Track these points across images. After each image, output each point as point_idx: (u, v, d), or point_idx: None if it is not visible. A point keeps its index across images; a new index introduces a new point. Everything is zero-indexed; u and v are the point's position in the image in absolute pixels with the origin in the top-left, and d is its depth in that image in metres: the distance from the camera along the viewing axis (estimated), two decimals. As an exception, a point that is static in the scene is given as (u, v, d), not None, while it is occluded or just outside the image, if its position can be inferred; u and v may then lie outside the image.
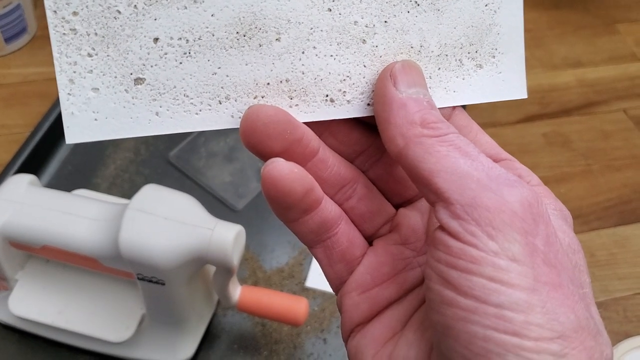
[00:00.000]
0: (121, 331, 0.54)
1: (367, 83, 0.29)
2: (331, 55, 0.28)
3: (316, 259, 0.30)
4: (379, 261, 0.30)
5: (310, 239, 0.29)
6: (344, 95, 0.29)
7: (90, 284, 0.56)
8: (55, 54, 0.26)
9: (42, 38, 0.86)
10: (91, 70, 0.26)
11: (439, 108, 0.28)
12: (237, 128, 0.27)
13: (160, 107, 0.27)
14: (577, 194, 0.75)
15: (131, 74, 0.27)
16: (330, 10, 0.28)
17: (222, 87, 0.27)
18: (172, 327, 0.55)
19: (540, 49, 0.92)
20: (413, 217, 0.30)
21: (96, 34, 0.26)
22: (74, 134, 0.27)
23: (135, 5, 0.26)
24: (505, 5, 0.31)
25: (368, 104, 0.29)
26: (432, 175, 0.25)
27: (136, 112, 0.27)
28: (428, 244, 0.26)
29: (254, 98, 0.28)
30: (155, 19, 0.26)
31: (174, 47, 0.27)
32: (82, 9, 0.26)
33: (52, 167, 0.72)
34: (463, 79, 0.31)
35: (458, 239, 0.24)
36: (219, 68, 0.27)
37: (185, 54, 0.27)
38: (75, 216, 0.51)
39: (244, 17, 0.27)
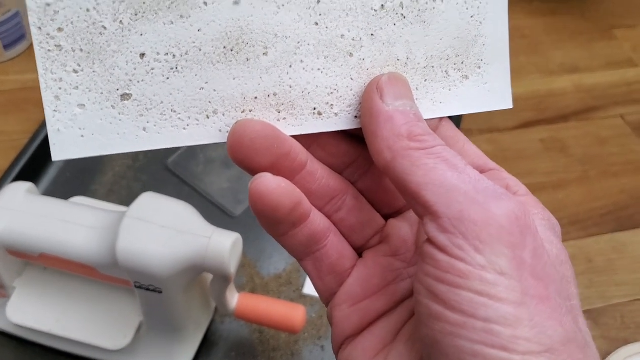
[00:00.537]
0: (119, 339, 0.54)
1: (354, 96, 0.29)
2: (318, 69, 0.28)
3: (306, 271, 0.30)
4: (369, 273, 0.30)
5: (300, 251, 0.29)
6: (332, 108, 0.29)
7: (88, 292, 0.56)
8: (40, 71, 0.26)
9: (41, 45, 0.86)
10: (77, 87, 0.26)
11: (426, 119, 0.28)
12: (225, 142, 0.27)
13: (148, 122, 0.27)
14: (575, 200, 0.75)
15: (118, 89, 0.27)
16: (317, 24, 0.28)
17: (209, 102, 0.27)
18: (170, 334, 0.55)
19: (537, 55, 0.92)
20: (402, 228, 0.30)
21: (82, 50, 0.26)
22: (60, 151, 0.27)
23: (121, 21, 0.26)
24: (491, 17, 0.31)
25: (356, 117, 0.29)
26: (420, 188, 0.25)
27: (123, 128, 0.27)
28: (417, 258, 0.26)
29: (242, 112, 0.28)
30: (142, 35, 0.26)
31: (160, 62, 0.27)
32: (67, 25, 0.26)
33: (51, 173, 0.72)
34: (449, 90, 0.31)
35: (446, 252, 0.24)
36: (207, 83, 0.27)
37: (172, 69, 0.27)
38: (73, 224, 0.51)
39: (231, 32, 0.27)
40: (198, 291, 0.55)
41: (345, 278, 0.30)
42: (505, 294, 0.22)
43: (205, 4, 0.26)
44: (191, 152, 0.75)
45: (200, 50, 0.27)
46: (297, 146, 0.28)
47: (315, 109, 0.29)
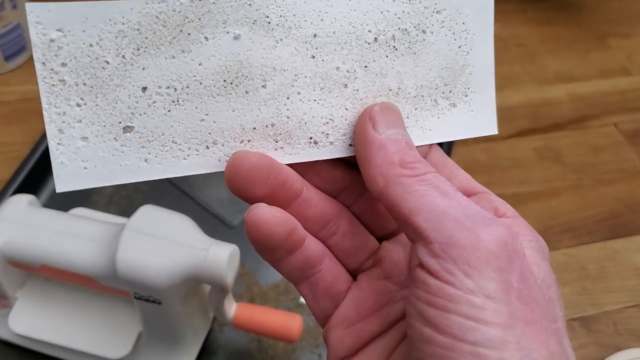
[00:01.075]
0: (119, 348, 0.54)
1: (348, 125, 0.30)
2: (315, 100, 0.29)
3: (302, 295, 0.31)
4: (363, 296, 0.31)
5: (295, 276, 0.30)
6: (327, 137, 0.30)
7: (89, 302, 0.57)
8: (44, 105, 0.27)
9: (41, 56, 0.87)
10: (80, 120, 0.27)
11: (416, 146, 0.29)
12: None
13: (149, 154, 0.28)
14: (568, 208, 0.75)
15: (120, 122, 0.27)
16: (314, 57, 0.29)
17: (209, 133, 0.28)
18: (169, 344, 0.56)
19: (532, 64, 0.93)
20: (395, 251, 0.31)
21: (85, 84, 0.27)
22: (64, 183, 0.27)
23: (123, 56, 0.27)
24: (477, 46, 0.32)
25: (350, 145, 0.30)
26: (412, 214, 0.26)
27: (125, 159, 0.28)
28: (409, 281, 0.27)
29: (241, 142, 0.29)
30: (144, 69, 0.27)
31: (162, 95, 0.27)
32: (70, 60, 0.26)
33: (51, 184, 0.73)
34: (438, 118, 0.32)
35: (436, 277, 0.24)
36: (207, 115, 0.28)
37: (173, 102, 0.28)
38: (74, 236, 0.51)
39: (230, 66, 0.28)
40: (197, 301, 0.55)
41: (340, 301, 0.31)
42: (492, 318, 0.23)
43: (206, 38, 0.27)
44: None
45: (200, 83, 0.28)
46: (293, 175, 0.29)
47: (311, 138, 0.30)
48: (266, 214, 0.27)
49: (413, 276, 0.26)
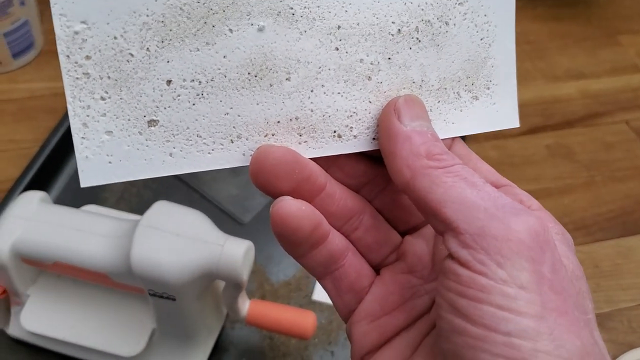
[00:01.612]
0: (132, 345, 0.54)
1: (372, 118, 0.30)
2: (338, 93, 0.29)
3: (325, 289, 0.31)
4: (387, 290, 0.30)
5: (319, 271, 0.30)
6: (351, 131, 0.30)
7: (101, 299, 0.56)
8: (68, 98, 0.26)
9: (49, 53, 0.86)
10: (104, 114, 0.27)
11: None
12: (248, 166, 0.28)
13: (174, 148, 0.28)
14: (581, 205, 0.75)
15: (144, 116, 0.27)
16: (338, 49, 0.29)
17: (234, 127, 0.28)
18: (182, 341, 0.55)
19: (542, 60, 0.93)
20: (418, 245, 0.31)
21: (109, 77, 0.26)
22: (88, 178, 0.27)
23: (147, 48, 0.26)
24: (499, 38, 0.32)
25: (374, 138, 0.30)
26: (441, 205, 0.25)
27: (150, 153, 0.27)
28: (438, 273, 0.26)
29: (265, 136, 0.29)
30: (168, 62, 0.27)
31: (186, 89, 0.27)
32: (94, 53, 0.26)
33: (61, 181, 0.73)
34: (461, 111, 0.32)
35: (468, 267, 0.24)
36: (231, 108, 0.28)
37: (198, 95, 0.27)
38: (87, 233, 0.51)
39: (255, 58, 0.28)
40: (211, 298, 0.55)
41: (364, 295, 0.31)
42: (525, 308, 0.23)
43: (231, 31, 0.27)
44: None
45: (225, 76, 0.27)
46: (317, 169, 0.29)
47: (335, 131, 0.29)
48: (292, 207, 0.27)
49: (442, 268, 0.26)
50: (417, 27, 0.30)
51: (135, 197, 0.72)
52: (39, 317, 0.56)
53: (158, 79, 0.27)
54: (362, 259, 0.31)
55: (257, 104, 0.28)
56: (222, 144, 0.28)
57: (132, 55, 0.26)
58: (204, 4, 0.27)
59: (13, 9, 0.78)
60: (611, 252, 0.71)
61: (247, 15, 0.27)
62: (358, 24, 0.29)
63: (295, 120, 0.29)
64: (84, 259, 0.50)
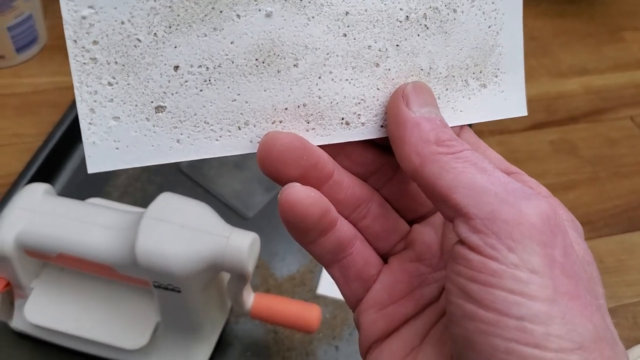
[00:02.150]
0: (136, 338, 0.54)
1: (380, 105, 0.30)
2: (346, 80, 0.29)
3: (333, 278, 0.31)
4: (395, 279, 0.30)
5: (327, 259, 0.30)
6: (359, 118, 0.29)
7: (105, 292, 0.56)
8: (75, 84, 0.26)
9: (53, 48, 0.87)
10: (112, 99, 0.27)
11: None
12: (256, 153, 0.28)
13: (181, 134, 0.28)
14: (585, 201, 0.75)
15: (152, 102, 0.27)
16: (346, 35, 0.29)
17: (241, 113, 0.28)
18: (187, 334, 0.55)
19: (546, 57, 0.93)
20: (427, 234, 0.31)
21: (116, 62, 0.26)
22: (96, 164, 0.27)
23: (155, 34, 0.26)
24: (507, 26, 0.32)
25: (382, 126, 0.30)
26: (450, 191, 0.25)
27: (157, 140, 0.27)
28: (448, 259, 0.26)
29: (272, 123, 0.28)
30: (176, 47, 0.27)
31: (194, 74, 0.27)
32: (102, 38, 0.26)
33: (65, 175, 0.73)
34: (469, 99, 0.31)
35: (478, 252, 0.24)
36: (239, 94, 0.28)
37: (205, 81, 0.27)
38: (91, 224, 0.51)
39: (262, 44, 0.27)
40: (215, 291, 0.55)
41: (372, 284, 0.30)
42: (537, 292, 0.23)
43: (238, 16, 0.27)
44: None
45: (232, 62, 0.27)
46: (325, 156, 0.29)
47: (343, 119, 0.29)
48: (301, 194, 0.27)
49: (452, 253, 0.25)
50: (425, 14, 0.30)
51: (139, 191, 0.72)
52: (43, 310, 0.55)
53: (165, 64, 0.27)
54: (370, 247, 0.31)
55: (265, 91, 0.28)
56: (229, 131, 0.28)
57: (139, 40, 0.26)
58: None
59: (17, 3, 0.78)
60: (615, 247, 0.71)
61: (255, 1, 0.27)
62: (366, 11, 0.29)
63: (303, 107, 0.29)
64: (88, 251, 0.50)
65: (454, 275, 0.25)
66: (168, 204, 0.49)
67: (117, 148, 0.27)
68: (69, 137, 0.74)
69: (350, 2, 0.28)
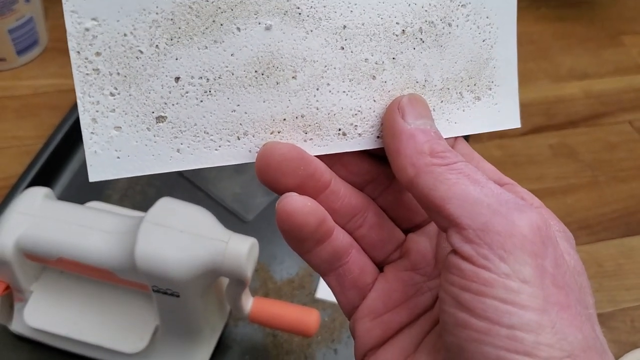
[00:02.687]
0: (135, 342, 0.54)
1: (376, 117, 0.30)
2: (344, 91, 0.29)
3: (329, 286, 0.31)
4: (390, 287, 0.31)
5: (323, 268, 0.30)
6: (356, 129, 0.30)
7: (105, 296, 0.57)
8: (78, 94, 0.27)
9: (54, 50, 0.87)
10: (114, 110, 0.27)
11: None
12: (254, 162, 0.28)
13: (182, 144, 0.28)
14: (584, 205, 0.75)
15: (153, 112, 0.27)
16: (343, 48, 0.29)
17: (240, 124, 0.28)
18: (185, 338, 0.55)
19: (545, 60, 0.93)
20: (422, 243, 0.31)
21: (118, 73, 0.27)
22: (97, 173, 0.27)
23: (157, 45, 0.27)
24: (501, 40, 0.32)
25: (378, 137, 0.30)
26: (444, 202, 0.26)
27: (158, 149, 0.28)
28: (441, 268, 0.27)
29: (271, 133, 0.29)
30: (177, 59, 0.27)
31: (194, 85, 0.28)
32: (104, 50, 0.26)
33: (64, 178, 0.73)
34: (463, 111, 0.32)
35: (471, 262, 0.24)
36: (238, 105, 0.28)
37: (205, 92, 0.28)
38: (91, 229, 0.51)
39: (262, 57, 0.28)
40: (214, 295, 0.55)
41: (367, 292, 0.31)
42: (528, 302, 0.23)
43: (238, 29, 0.27)
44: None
45: (232, 74, 0.28)
46: (322, 166, 0.29)
47: (340, 129, 0.30)
48: (298, 203, 0.27)
49: (446, 263, 0.26)
50: (420, 27, 0.30)
51: (139, 194, 0.72)
52: (42, 314, 0.56)
53: (167, 75, 0.27)
54: (365, 256, 0.31)
55: (264, 102, 0.28)
56: (229, 141, 0.28)
57: (141, 52, 0.27)
58: (212, 2, 0.27)
59: (18, 6, 0.78)
60: (614, 252, 0.71)
61: (255, 14, 0.27)
62: (363, 24, 0.29)
63: (301, 118, 0.29)
64: (87, 255, 0.50)
65: (447, 284, 0.25)
66: (167, 208, 0.50)
67: (118, 157, 0.27)
68: (69, 140, 0.74)
69: (348, 16, 0.29)
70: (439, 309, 0.26)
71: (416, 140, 0.27)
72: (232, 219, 0.70)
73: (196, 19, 0.27)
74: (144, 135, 0.27)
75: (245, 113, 0.28)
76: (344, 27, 0.29)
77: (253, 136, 0.29)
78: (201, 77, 0.27)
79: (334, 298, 0.62)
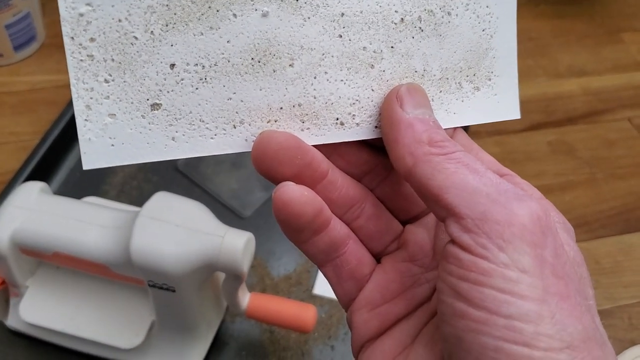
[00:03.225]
0: (131, 338, 0.54)
1: (374, 106, 0.30)
2: (341, 80, 0.29)
3: (326, 277, 0.31)
4: (387, 278, 0.30)
5: (320, 258, 0.30)
6: (354, 119, 0.30)
7: (100, 291, 0.56)
8: (72, 80, 0.26)
9: (51, 46, 0.86)
10: (108, 96, 0.27)
11: None
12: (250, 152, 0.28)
13: (177, 132, 0.28)
14: (582, 202, 0.75)
15: (148, 99, 0.27)
16: (341, 36, 0.29)
17: (236, 112, 0.28)
18: (182, 333, 0.55)
19: (544, 57, 0.93)
20: (420, 234, 0.31)
21: (113, 60, 0.26)
22: (91, 160, 0.27)
23: (152, 32, 0.26)
24: (501, 30, 0.32)
25: (376, 127, 0.30)
26: (442, 191, 0.25)
27: (153, 137, 0.27)
28: (439, 258, 0.26)
29: (268, 122, 0.28)
30: (172, 45, 0.27)
31: (190, 72, 0.27)
32: (99, 36, 0.26)
33: (61, 174, 0.73)
34: (462, 101, 0.32)
35: (469, 251, 0.24)
36: (234, 93, 0.28)
37: (201, 79, 0.27)
38: (87, 223, 0.51)
39: (258, 44, 0.28)
40: (211, 291, 0.55)
41: (364, 283, 0.31)
42: (527, 291, 0.23)
43: (235, 15, 0.27)
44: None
45: (228, 61, 0.27)
46: (319, 156, 0.29)
47: (337, 119, 0.29)
48: (295, 193, 0.27)
49: (444, 253, 0.26)
50: (419, 16, 0.30)
51: (135, 189, 0.72)
52: (38, 309, 0.55)
53: (162, 62, 0.27)
54: (363, 247, 0.31)
55: (260, 90, 0.28)
56: (224, 129, 0.28)
57: (136, 38, 0.26)
58: None
59: (15, 1, 0.78)
60: (612, 249, 0.71)
61: (252, 1, 0.27)
62: (361, 12, 0.29)
63: (298, 107, 0.29)
64: (83, 250, 0.50)
65: (445, 274, 0.25)
66: (163, 203, 0.49)
67: (112, 145, 0.27)
68: (66, 135, 0.74)
69: (346, 4, 0.28)
70: (437, 299, 0.26)
71: (414, 129, 0.27)
72: (229, 215, 0.70)
73: (192, 4, 0.26)
74: (138, 122, 0.27)
75: (242, 101, 0.28)
76: (342, 14, 0.28)
77: (249, 125, 0.28)
78: (197, 64, 0.27)
79: (331, 295, 0.62)
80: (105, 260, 0.50)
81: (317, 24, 0.28)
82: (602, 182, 0.77)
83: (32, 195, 0.53)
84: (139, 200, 0.69)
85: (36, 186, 0.54)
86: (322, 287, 0.64)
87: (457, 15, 0.30)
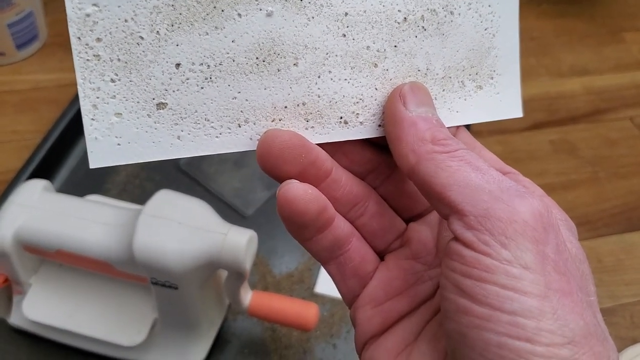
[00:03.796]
0: (133, 335, 0.54)
1: (378, 105, 0.30)
2: (345, 79, 0.29)
3: (329, 274, 0.31)
4: (390, 276, 0.31)
5: (324, 256, 0.30)
6: (357, 117, 0.30)
7: (103, 289, 0.57)
8: (79, 80, 0.26)
9: (53, 45, 0.87)
10: (114, 96, 0.27)
11: None
12: (255, 150, 0.28)
13: (182, 131, 0.28)
14: (584, 201, 0.75)
15: (153, 99, 0.27)
16: (345, 35, 0.29)
17: (241, 111, 0.28)
18: (184, 331, 0.55)
19: (547, 57, 0.93)
20: (423, 232, 0.31)
21: (119, 59, 0.27)
22: (97, 159, 0.27)
23: (157, 32, 0.27)
24: (503, 29, 0.32)
25: (379, 125, 0.30)
26: (445, 189, 0.26)
27: (158, 136, 0.28)
28: (442, 255, 0.26)
29: (272, 121, 0.29)
30: (177, 45, 0.27)
31: (195, 72, 0.27)
32: (105, 36, 0.26)
33: (63, 173, 0.73)
34: (465, 100, 0.32)
35: (472, 248, 0.24)
36: (239, 92, 0.28)
37: (206, 79, 0.28)
38: (90, 221, 0.51)
39: (263, 43, 0.28)
40: (213, 289, 0.55)
41: (368, 281, 0.31)
42: (530, 288, 0.23)
43: (240, 15, 0.27)
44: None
45: (233, 60, 0.28)
46: (323, 154, 0.29)
47: (341, 118, 0.30)
48: (299, 190, 0.27)
49: (447, 250, 0.26)
50: (422, 15, 0.30)
51: (138, 188, 0.72)
52: (41, 306, 0.56)
53: (167, 62, 0.27)
54: (366, 244, 0.31)
55: (265, 89, 0.28)
56: (229, 128, 0.28)
57: (142, 38, 0.27)
58: None
59: (18, 0, 0.78)
60: (614, 247, 0.71)
61: (256, 0, 0.27)
62: (365, 12, 0.29)
63: (302, 106, 0.29)
64: (86, 247, 0.50)
65: (448, 271, 0.25)
66: (166, 201, 0.50)
67: (118, 144, 0.27)
68: (69, 134, 0.74)
69: (350, 3, 0.29)
70: (440, 296, 0.26)
71: (417, 127, 0.27)
72: (231, 213, 0.70)
73: (197, 4, 0.27)
74: (144, 121, 0.27)
75: (246, 100, 0.28)
76: (346, 14, 0.29)
77: (254, 124, 0.28)
78: (202, 64, 0.27)
79: (333, 293, 0.62)
80: (108, 258, 0.50)
81: (321, 24, 0.28)
82: (604, 181, 0.77)
83: (35, 193, 0.53)
84: (141, 198, 0.69)
85: (39, 184, 0.54)
86: (324, 285, 0.64)
87: (459, 14, 0.31)
